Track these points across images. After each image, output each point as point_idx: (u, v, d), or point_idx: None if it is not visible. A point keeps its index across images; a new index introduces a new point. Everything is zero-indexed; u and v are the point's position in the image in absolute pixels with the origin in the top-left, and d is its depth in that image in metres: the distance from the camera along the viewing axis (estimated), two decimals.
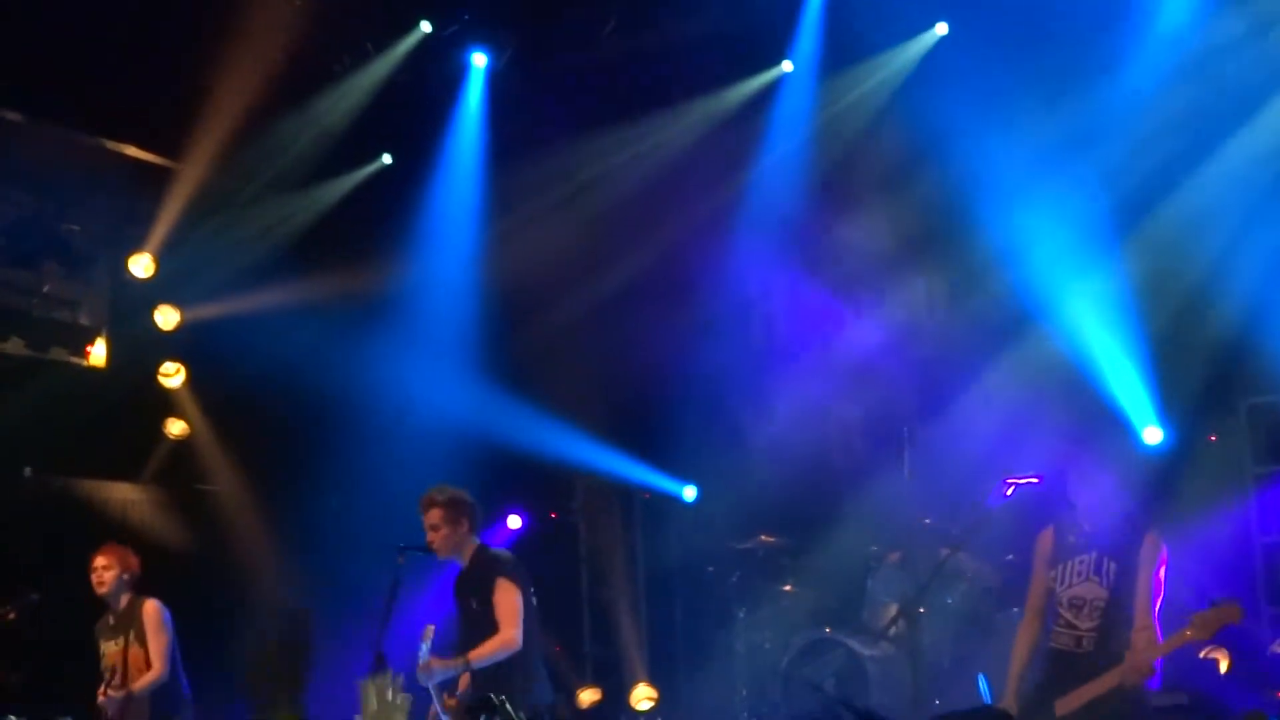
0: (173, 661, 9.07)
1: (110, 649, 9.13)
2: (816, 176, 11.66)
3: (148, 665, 9.00)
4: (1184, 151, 10.09)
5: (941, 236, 11.41)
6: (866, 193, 12.04)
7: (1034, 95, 10.24)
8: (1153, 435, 9.99)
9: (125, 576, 9.16)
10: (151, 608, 9.11)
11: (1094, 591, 7.38)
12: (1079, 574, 7.45)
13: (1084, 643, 7.38)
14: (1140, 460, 9.76)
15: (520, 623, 7.91)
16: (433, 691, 7.79)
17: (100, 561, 9.14)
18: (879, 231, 12.02)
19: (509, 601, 7.93)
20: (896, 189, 11.75)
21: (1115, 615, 7.32)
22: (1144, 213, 10.22)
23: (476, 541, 8.25)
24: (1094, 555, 7.42)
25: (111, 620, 9.16)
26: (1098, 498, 7.44)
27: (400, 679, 3.80)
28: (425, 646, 7.73)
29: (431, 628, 7.78)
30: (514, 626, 7.88)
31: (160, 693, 8.96)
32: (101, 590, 9.14)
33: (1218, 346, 10.16)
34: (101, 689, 8.76)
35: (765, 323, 12.70)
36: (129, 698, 8.77)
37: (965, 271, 11.51)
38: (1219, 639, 9.18)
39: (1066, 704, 7.28)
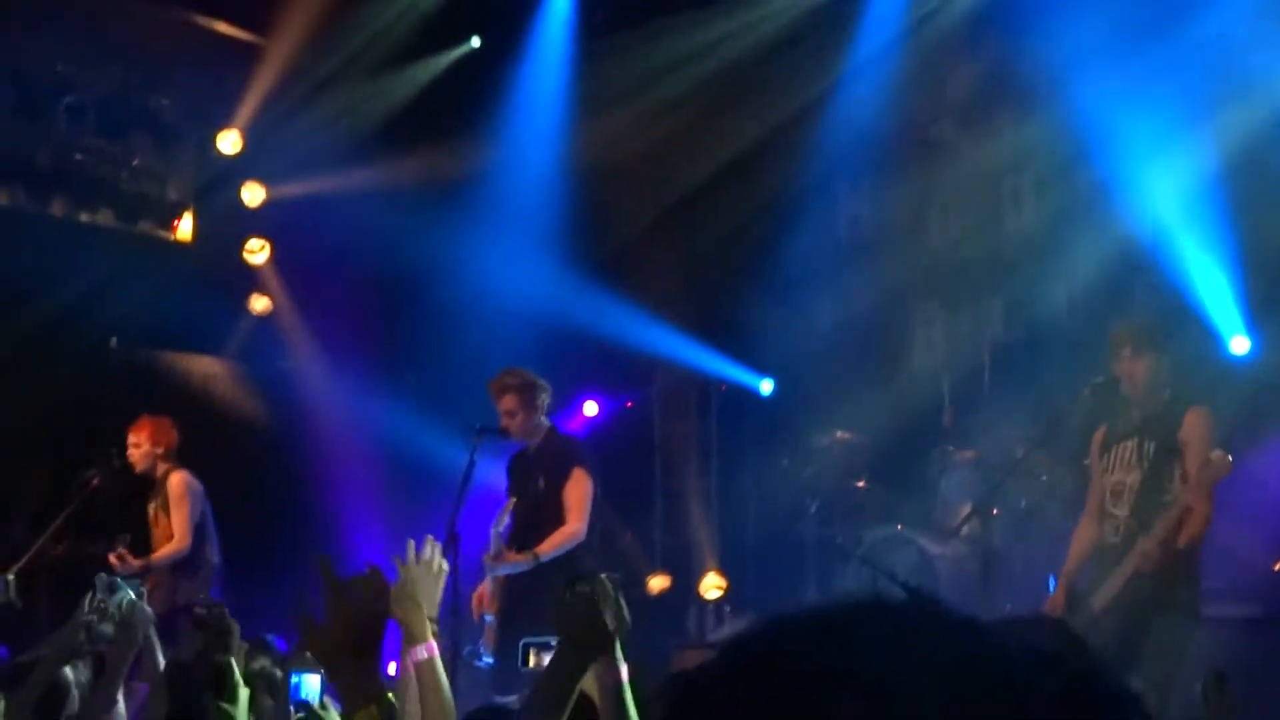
0: (199, 534, 9.15)
1: (150, 515, 9.25)
2: (907, 62, 11.48)
3: (171, 536, 9.11)
4: None
5: (1033, 138, 11.22)
6: (954, 80, 11.88)
7: None
8: (1240, 345, 9.83)
9: (159, 450, 9.22)
10: (176, 479, 9.15)
11: (1132, 475, 7.19)
12: (1122, 461, 7.28)
13: (1118, 530, 7.20)
14: (1226, 368, 9.63)
15: (587, 515, 7.94)
16: (491, 581, 7.89)
17: (131, 439, 9.19)
18: (965, 120, 11.87)
19: (581, 492, 7.97)
20: (984, 77, 11.59)
21: (1150, 499, 7.09)
22: (1238, 104, 9.98)
23: (548, 423, 8.29)
24: (1138, 439, 7.25)
25: (151, 488, 9.27)
26: (1146, 381, 7.25)
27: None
28: (496, 532, 7.80)
29: (506, 516, 7.84)
30: (582, 519, 7.91)
31: (183, 564, 9.05)
32: (135, 466, 9.22)
33: None
34: (114, 553, 8.69)
35: (849, 220, 12.61)
36: (147, 567, 8.75)
37: (1051, 167, 11.32)
38: None
39: (1102, 597, 7.11)
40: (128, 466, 9.21)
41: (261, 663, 5.42)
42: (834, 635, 1.32)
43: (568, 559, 7.78)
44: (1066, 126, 10.51)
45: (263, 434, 11.48)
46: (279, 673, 5.29)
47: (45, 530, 8.92)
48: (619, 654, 3.63)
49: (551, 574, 7.49)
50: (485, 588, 8.10)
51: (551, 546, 7.79)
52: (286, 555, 10.14)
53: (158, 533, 9.14)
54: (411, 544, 3.96)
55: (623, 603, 3.62)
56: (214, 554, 9.27)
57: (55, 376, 10.26)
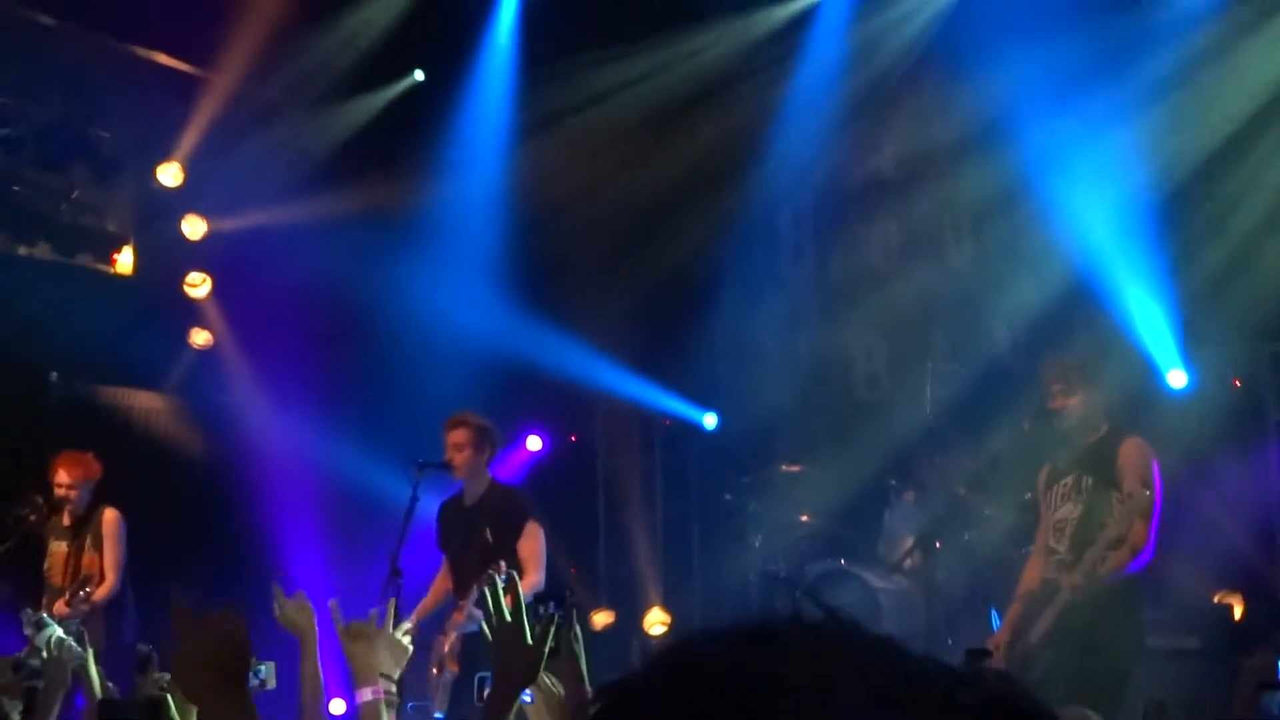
0: (124, 572, 9.08)
1: (59, 549, 9.09)
2: (848, 105, 11.57)
3: (102, 574, 8.99)
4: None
5: (972, 169, 11.32)
6: (895, 117, 11.98)
7: (1072, 18, 10.12)
8: (1177, 379, 9.92)
9: (89, 484, 9.13)
10: (111, 516, 9.07)
11: (1070, 511, 7.24)
12: (1061, 497, 7.32)
13: (1061, 567, 7.24)
14: (1164, 402, 9.72)
15: (543, 567, 8.03)
16: (455, 633, 7.88)
17: (62, 477, 9.02)
18: (906, 156, 11.97)
19: (535, 545, 8.12)
20: (925, 114, 11.69)
21: (1087, 533, 7.11)
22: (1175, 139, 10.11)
23: (489, 476, 8.32)
24: (1075, 475, 7.29)
25: (67, 521, 9.11)
26: (1079, 416, 7.29)
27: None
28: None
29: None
30: (539, 571, 8.06)
31: (113, 603, 8.98)
32: (69, 504, 9.05)
33: (1248, 291, 10.08)
34: (63, 599, 8.54)
35: (793, 251, 12.66)
36: (92, 608, 8.65)
37: (991, 202, 11.42)
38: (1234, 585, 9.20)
39: (1036, 632, 7.15)
40: (56, 505, 9.06)
41: None
42: (762, 646, 1.34)
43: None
44: (1006, 162, 10.63)
45: (204, 469, 11.38)
46: None
47: None
48: (584, 673, 3.70)
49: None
50: (446, 645, 8.07)
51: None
52: (227, 591, 10.03)
53: (80, 568, 9.01)
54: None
55: (576, 628, 3.70)
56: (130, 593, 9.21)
57: None
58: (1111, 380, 7.97)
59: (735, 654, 1.34)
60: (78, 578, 8.92)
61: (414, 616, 8.15)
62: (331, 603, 3.97)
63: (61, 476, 9.05)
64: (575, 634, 3.73)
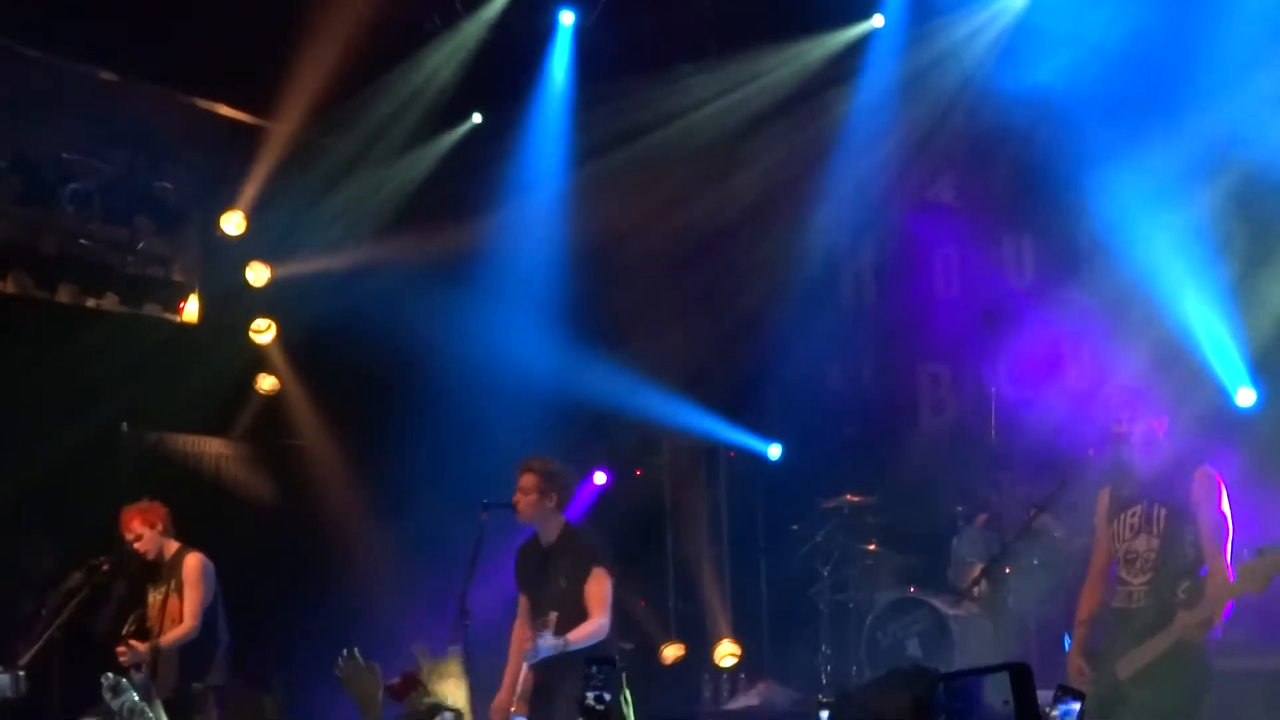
0: (209, 618, 9.14)
1: (154, 599, 9.22)
2: (905, 134, 11.57)
3: (180, 617, 9.11)
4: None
5: (1032, 196, 11.30)
6: (956, 152, 11.97)
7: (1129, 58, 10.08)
8: (1245, 397, 9.85)
9: (159, 529, 9.25)
10: (193, 561, 9.14)
11: (1146, 543, 7.14)
12: (1131, 527, 7.23)
13: (1136, 598, 7.12)
14: (1234, 421, 9.64)
15: (609, 611, 8.07)
16: (527, 664, 7.94)
17: (128, 533, 9.14)
18: (968, 191, 11.96)
19: (602, 589, 8.08)
20: (986, 149, 11.68)
21: (1168, 565, 7.03)
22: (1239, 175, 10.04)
23: (563, 520, 8.34)
24: (1144, 505, 7.22)
25: (161, 570, 9.25)
26: (1148, 444, 7.23)
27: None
28: (548, 634, 7.84)
29: (554, 615, 7.87)
30: (605, 614, 8.04)
31: (191, 648, 9.01)
32: (147, 555, 9.19)
33: None
34: (121, 644, 8.73)
35: (854, 280, 12.67)
36: (155, 650, 8.78)
37: (1056, 232, 11.40)
38: None
39: (1128, 665, 7.06)
40: (130, 555, 9.19)
41: None
42: None
43: (592, 649, 7.89)
44: (1064, 183, 10.58)
45: (274, 513, 11.49)
46: None
47: (52, 615, 8.88)
48: None
49: (575, 664, 7.60)
50: (517, 690, 8.10)
51: (581, 636, 7.90)
52: (299, 633, 10.15)
53: (168, 615, 9.13)
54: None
55: (626, 691, 3.86)
56: (225, 634, 9.27)
57: (67, 462, 10.27)
58: (1179, 401, 7.91)
59: None
60: (161, 624, 9.04)
61: (505, 687, 8.19)
62: (418, 646, 4.08)
63: (132, 526, 9.19)
64: (625, 696, 3.87)
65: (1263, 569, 6.75)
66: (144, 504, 9.31)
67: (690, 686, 11.74)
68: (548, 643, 7.80)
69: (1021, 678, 3.13)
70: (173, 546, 9.23)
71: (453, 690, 3.99)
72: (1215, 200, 10.00)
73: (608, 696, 3.83)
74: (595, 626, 7.97)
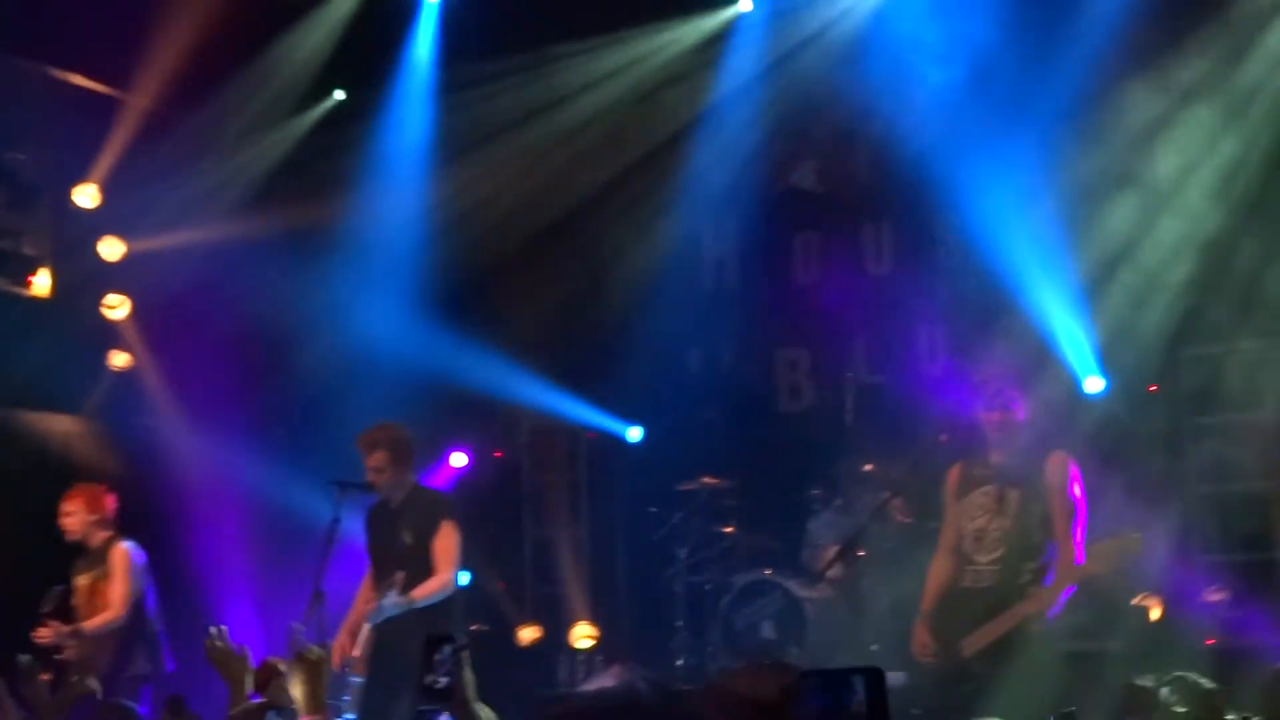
0: (139, 607, 9.04)
1: (82, 583, 9.12)
2: (768, 120, 11.65)
3: (107, 605, 8.98)
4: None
5: (892, 184, 11.44)
6: (819, 139, 12.09)
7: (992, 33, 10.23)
8: (1094, 384, 10.08)
9: (94, 518, 9.12)
10: (120, 550, 9.07)
11: (995, 523, 7.30)
12: (981, 506, 7.37)
13: (982, 577, 7.28)
14: (1081, 406, 9.86)
15: (457, 565, 8.06)
16: (370, 624, 7.91)
17: (66, 507, 9.12)
18: (830, 177, 12.07)
19: (451, 545, 8.10)
20: (848, 137, 11.80)
21: (1016, 546, 7.21)
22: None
23: (413, 479, 8.32)
24: (996, 485, 7.35)
25: (89, 554, 9.15)
26: (1004, 427, 7.36)
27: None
28: (393, 593, 7.80)
29: (401, 575, 7.85)
30: (452, 568, 8.08)
31: (125, 636, 8.95)
32: (70, 535, 9.11)
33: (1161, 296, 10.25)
34: (44, 627, 8.63)
35: (715, 264, 12.73)
36: (75, 633, 8.71)
37: (915, 221, 11.56)
38: (1152, 586, 9.32)
39: (972, 643, 7.20)
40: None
41: None
42: None
43: (438, 607, 7.92)
44: (926, 174, 10.72)
45: (124, 493, 11.26)
46: None
47: None
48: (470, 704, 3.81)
49: (420, 621, 7.66)
50: (357, 647, 8.06)
51: (426, 593, 7.94)
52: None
53: (95, 601, 8.99)
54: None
55: (468, 672, 3.90)
56: (157, 624, 9.17)
57: None
58: (1032, 387, 8.07)
59: None
60: (86, 611, 8.95)
61: (344, 631, 8.16)
62: (295, 625, 4.13)
63: (63, 505, 9.14)
64: (465, 678, 3.88)
65: (1112, 551, 6.93)
66: (96, 488, 9.27)
67: (546, 668, 11.76)
68: (392, 601, 7.80)
69: (874, 682, 3.21)
70: (104, 535, 9.12)
71: (308, 682, 3.99)
72: (1073, 193, 10.23)
73: (445, 679, 3.82)
74: (440, 583, 7.99)
